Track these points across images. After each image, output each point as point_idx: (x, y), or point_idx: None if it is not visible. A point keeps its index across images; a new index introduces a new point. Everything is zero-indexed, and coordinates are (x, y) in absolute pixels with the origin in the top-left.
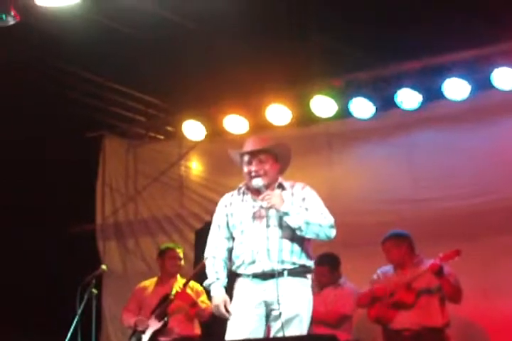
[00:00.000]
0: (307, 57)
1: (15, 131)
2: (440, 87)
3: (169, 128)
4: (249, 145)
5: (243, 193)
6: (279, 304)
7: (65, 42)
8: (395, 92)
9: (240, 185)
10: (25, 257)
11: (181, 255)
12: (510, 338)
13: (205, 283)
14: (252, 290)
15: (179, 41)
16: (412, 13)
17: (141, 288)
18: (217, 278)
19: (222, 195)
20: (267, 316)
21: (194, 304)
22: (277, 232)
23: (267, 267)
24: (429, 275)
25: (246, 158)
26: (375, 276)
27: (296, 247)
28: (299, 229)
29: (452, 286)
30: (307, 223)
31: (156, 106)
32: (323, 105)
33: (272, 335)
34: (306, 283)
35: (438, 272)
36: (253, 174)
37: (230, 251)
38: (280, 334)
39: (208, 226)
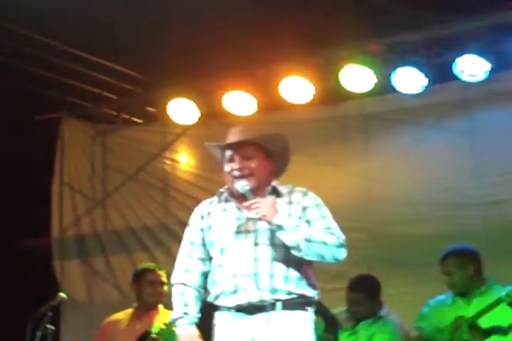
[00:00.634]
0: (335, 13)
1: None
2: None
3: (149, 109)
4: (231, 137)
5: (225, 200)
6: None
7: None
8: (454, 60)
9: (221, 190)
10: None
11: (164, 278)
12: None
13: (171, 317)
14: (236, 327)
15: None
16: None
17: (111, 322)
18: (185, 313)
19: None
20: None
21: None
22: (268, 252)
23: (254, 297)
24: (501, 308)
25: (228, 153)
26: (426, 309)
27: (293, 272)
28: (297, 248)
29: None
30: (308, 240)
31: (132, 79)
32: (356, 77)
33: None
34: (306, 318)
35: None
36: (235, 174)
37: (206, 276)
38: None
39: None
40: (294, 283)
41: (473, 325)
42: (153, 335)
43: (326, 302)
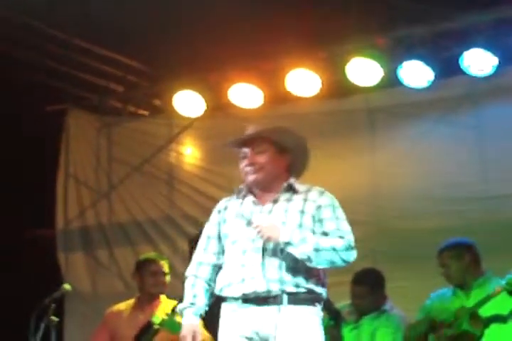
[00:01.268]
0: (342, 6)
1: None
2: None
3: (155, 101)
4: (244, 134)
5: (243, 196)
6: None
7: None
8: (461, 54)
9: (241, 186)
10: None
11: (166, 269)
12: None
13: (178, 307)
14: (240, 318)
15: None
16: None
17: (114, 313)
18: (192, 303)
19: (226, 190)
20: None
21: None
22: (277, 244)
23: (261, 287)
24: (501, 297)
25: (242, 150)
26: (428, 302)
27: (303, 265)
28: (308, 259)
29: None
30: (316, 250)
31: (138, 71)
32: (363, 70)
33: None
34: (314, 313)
35: None
36: (246, 169)
37: (219, 270)
38: None
39: None
40: (302, 277)
41: (473, 315)
42: (156, 326)
43: (331, 296)
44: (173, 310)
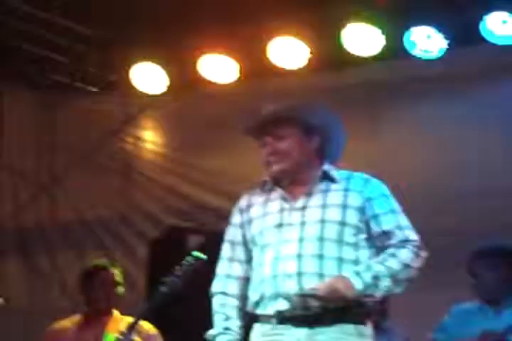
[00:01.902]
0: None
1: None
2: None
3: (108, 76)
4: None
5: (270, 190)
6: None
7: None
8: (481, 18)
9: (266, 178)
10: None
11: (119, 278)
12: None
13: (209, 333)
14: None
15: None
16: None
17: (56, 331)
18: (226, 328)
19: (194, 183)
20: None
21: None
22: (316, 248)
23: (296, 303)
24: None
25: (261, 137)
26: (448, 319)
27: (349, 271)
28: (389, 292)
29: None
30: (394, 278)
31: (87, 39)
32: (361, 38)
33: None
34: (365, 334)
35: None
36: (267, 160)
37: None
38: None
39: (171, 233)
40: None
41: None
42: None
43: None
44: (130, 328)
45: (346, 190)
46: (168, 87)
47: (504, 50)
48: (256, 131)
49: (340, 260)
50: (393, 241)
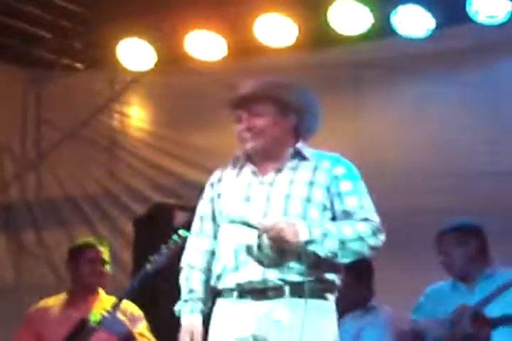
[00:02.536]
0: None
1: None
2: None
3: (95, 52)
4: (238, 92)
5: (241, 166)
6: None
7: None
8: None
9: (237, 153)
10: None
11: (106, 256)
12: None
13: (175, 307)
14: (234, 317)
15: None
16: None
17: (41, 310)
18: (188, 300)
19: (181, 160)
20: None
21: (129, 338)
22: None
23: (255, 275)
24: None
25: (237, 112)
26: (423, 298)
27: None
28: (334, 256)
29: None
30: (343, 243)
31: (73, 14)
32: (348, 16)
33: None
34: (327, 309)
35: None
36: (242, 135)
37: None
38: None
39: (157, 210)
40: (311, 261)
41: (477, 315)
42: (93, 324)
43: None
44: (115, 307)
45: (315, 168)
46: (155, 64)
47: (492, 29)
48: (233, 107)
49: None
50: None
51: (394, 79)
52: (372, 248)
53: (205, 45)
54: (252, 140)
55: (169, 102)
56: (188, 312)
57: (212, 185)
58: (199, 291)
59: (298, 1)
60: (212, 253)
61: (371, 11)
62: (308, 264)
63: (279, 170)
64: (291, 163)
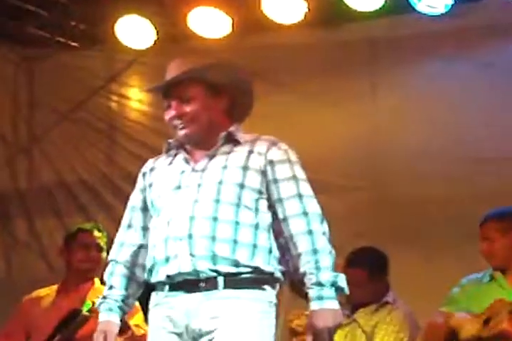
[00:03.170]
0: None
1: None
2: None
3: (92, 29)
4: (167, 75)
5: (175, 154)
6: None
7: None
8: None
9: (170, 140)
10: None
11: (103, 242)
12: None
13: (97, 301)
14: (166, 311)
15: None
16: None
17: (33, 300)
18: (106, 297)
19: None
20: None
21: (123, 328)
22: (211, 210)
23: (185, 266)
24: None
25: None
26: (456, 289)
27: (245, 236)
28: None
29: None
30: (332, 269)
31: None
32: None
33: None
34: (261, 299)
35: None
36: (172, 123)
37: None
38: None
39: None
40: (246, 251)
41: None
42: (85, 313)
43: None
44: None
45: (250, 152)
46: (156, 42)
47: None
48: (162, 92)
49: (237, 223)
50: (291, 213)
51: (410, 58)
52: (325, 233)
53: (209, 22)
54: (184, 127)
55: None
56: (105, 311)
57: (144, 174)
58: (118, 288)
59: None
60: (141, 247)
61: None
62: (245, 253)
63: (211, 156)
64: (225, 148)
